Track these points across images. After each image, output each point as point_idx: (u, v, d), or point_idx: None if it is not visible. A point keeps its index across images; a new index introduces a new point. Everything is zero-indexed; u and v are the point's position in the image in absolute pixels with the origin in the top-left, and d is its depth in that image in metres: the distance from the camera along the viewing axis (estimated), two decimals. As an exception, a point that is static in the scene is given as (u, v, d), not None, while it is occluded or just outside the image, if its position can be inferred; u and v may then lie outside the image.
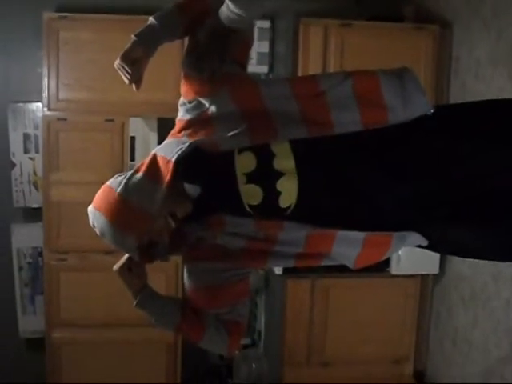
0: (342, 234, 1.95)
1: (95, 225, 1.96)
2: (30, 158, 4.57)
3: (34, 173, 4.57)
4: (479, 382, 3.68)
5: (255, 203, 1.94)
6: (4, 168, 4.60)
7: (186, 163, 1.92)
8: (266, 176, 1.92)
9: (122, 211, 1.90)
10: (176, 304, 2.11)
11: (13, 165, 4.57)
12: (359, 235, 1.96)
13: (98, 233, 1.97)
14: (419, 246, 2.06)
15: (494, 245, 2.07)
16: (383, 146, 1.94)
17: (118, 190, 1.91)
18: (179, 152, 1.90)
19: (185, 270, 2.11)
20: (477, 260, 3.56)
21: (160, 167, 1.92)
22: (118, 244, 1.95)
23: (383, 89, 1.93)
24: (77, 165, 4.20)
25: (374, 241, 1.97)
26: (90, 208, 1.97)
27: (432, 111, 1.96)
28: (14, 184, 4.59)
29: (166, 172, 1.89)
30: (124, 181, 1.92)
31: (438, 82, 4.17)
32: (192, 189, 1.98)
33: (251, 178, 1.93)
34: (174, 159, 1.88)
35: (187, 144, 1.93)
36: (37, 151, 4.55)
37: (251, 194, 1.93)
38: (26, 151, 4.57)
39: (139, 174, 1.93)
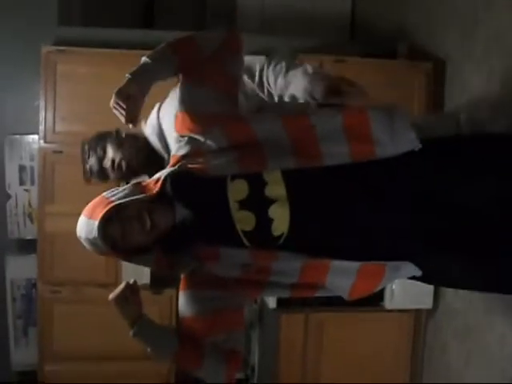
0: (335, 264, 1.97)
1: (82, 235, 1.99)
2: (26, 190, 4.59)
3: (29, 204, 4.58)
4: None
5: (248, 229, 1.96)
6: (-1, 199, 4.61)
7: (176, 181, 1.97)
8: (258, 203, 1.96)
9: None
10: (173, 332, 2.12)
11: (8, 196, 4.58)
12: (353, 265, 1.98)
13: (85, 243, 1.99)
14: (413, 278, 2.08)
15: (479, 277, 2.09)
16: (372, 179, 1.98)
17: (104, 193, 2.03)
18: (169, 171, 1.98)
19: (180, 298, 2.12)
20: (470, 293, 3.58)
21: (148, 185, 2.01)
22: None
23: (372, 124, 1.98)
24: (72, 197, 4.18)
25: (367, 271, 2.00)
26: (81, 218, 2.01)
27: (420, 147, 2.00)
28: (8, 215, 4.60)
29: (154, 187, 1.99)
30: (117, 191, 2.03)
31: (431, 98, 4.20)
32: (180, 210, 2.00)
33: (244, 204, 1.96)
34: (163, 176, 1.97)
35: (177, 166, 2.00)
36: (32, 183, 4.56)
37: (244, 220, 1.96)
38: (21, 183, 4.58)
39: (130, 186, 2.06)
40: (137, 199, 1.95)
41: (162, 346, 2.10)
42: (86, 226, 1.97)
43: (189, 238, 2.01)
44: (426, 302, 4.10)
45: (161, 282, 2.14)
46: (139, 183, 2.06)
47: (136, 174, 2.57)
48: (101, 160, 2.56)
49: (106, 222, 1.93)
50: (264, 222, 1.95)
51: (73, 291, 4.41)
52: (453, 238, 2.01)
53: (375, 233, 1.99)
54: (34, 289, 4.58)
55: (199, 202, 2.00)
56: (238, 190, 1.96)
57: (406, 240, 2.00)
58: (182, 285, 2.12)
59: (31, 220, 4.59)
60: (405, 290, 3.98)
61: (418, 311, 4.22)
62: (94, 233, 1.93)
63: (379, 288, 2.09)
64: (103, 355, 4.43)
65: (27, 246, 4.63)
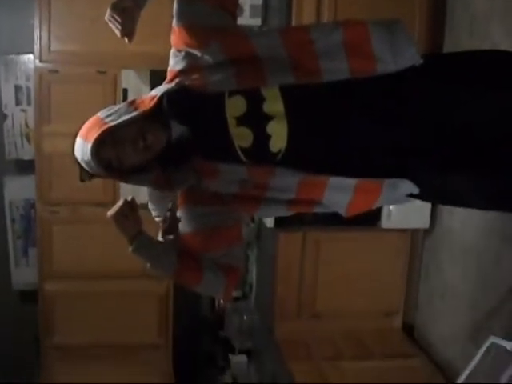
0: (333, 180, 1.97)
1: (79, 157, 1.98)
2: (22, 110, 4.57)
3: (26, 125, 4.56)
4: (467, 336, 3.73)
5: (246, 146, 1.96)
6: (-4, 120, 4.59)
7: (173, 99, 1.96)
8: (256, 119, 1.94)
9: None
10: (172, 248, 2.12)
11: (5, 117, 4.56)
12: (350, 182, 1.97)
13: (82, 165, 1.99)
14: (410, 196, 2.08)
15: (481, 193, 2.09)
16: (372, 93, 1.96)
17: (99, 113, 1.98)
18: (166, 89, 1.96)
19: (179, 214, 2.13)
20: (467, 213, 3.61)
21: (144, 101, 1.98)
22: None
23: (373, 39, 1.95)
24: (69, 117, 4.15)
25: (365, 187, 1.99)
26: (77, 139, 1.99)
27: (421, 62, 1.97)
28: (6, 136, 4.59)
29: (149, 103, 1.95)
30: (113, 110, 1.99)
31: (431, 37, 4.15)
32: (177, 128, 1.99)
33: (241, 120, 1.94)
34: (159, 94, 1.94)
35: (174, 83, 1.98)
36: (29, 103, 4.54)
37: (242, 137, 1.95)
38: (17, 103, 4.56)
39: (125, 104, 2.01)
40: (131, 118, 1.93)
41: (161, 262, 2.11)
42: (81, 148, 1.96)
43: (186, 154, 2.00)
44: (423, 222, 4.12)
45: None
46: (134, 101, 2.03)
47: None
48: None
49: (100, 144, 1.92)
50: (262, 139, 1.94)
51: (71, 211, 4.45)
52: (453, 155, 1.99)
53: (373, 149, 1.97)
54: (32, 209, 4.61)
55: (196, 118, 1.98)
56: (235, 106, 1.94)
57: (405, 157, 1.99)
58: (179, 201, 2.12)
59: (28, 140, 4.58)
60: (402, 210, 4.00)
61: (414, 231, 4.25)
62: (88, 155, 1.92)
63: (377, 205, 2.08)
64: (102, 274, 4.50)
65: (25, 167, 4.64)
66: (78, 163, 2.00)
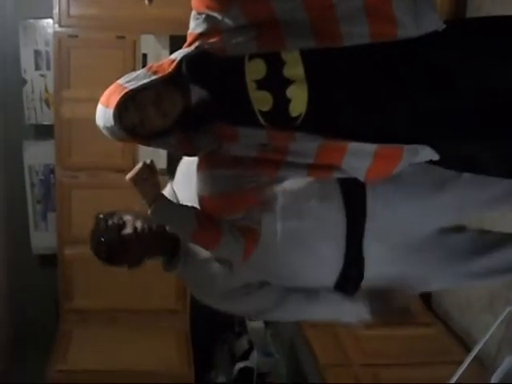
0: (352, 145, 1.96)
1: (101, 124, 1.99)
2: (41, 75, 4.56)
3: (46, 90, 4.56)
4: (484, 305, 3.73)
5: (266, 109, 1.95)
6: (16, 85, 4.60)
7: (192, 64, 1.96)
8: (275, 83, 1.93)
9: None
10: (191, 211, 2.12)
11: (24, 82, 4.57)
12: (370, 147, 1.96)
13: (105, 131, 2.00)
14: (430, 162, 2.07)
15: (502, 161, 2.08)
16: (393, 58, 1.94)
17: (119, 80, 1.98)
18: (185, 53, 1.95)
19: (198, 178, 2.13)
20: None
21: (163, 65, 1.97)
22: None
23: (394, 3, 1.92)
24: (88, 82, 4.18)
25: (384, 153, 1.98)
26: (99, 106, 2.00)
27: (443, 27, 1.95)
28: (25, 101, 4.59)
29: (168, 67, 1.95)
30: (133, 76, 1.98)
31: (454, 3, 4.10)
32: (196, 92, 1.99)
33: (261, 84, 1.93)
34: (179, 57, 1.93)
35: (194, 46, 1.96)
36: (48, 68, 4.53)
37: (261, 100, 1.94)
38: (37, 68, 4.55)
39: (144, 69, 2.00)
40: (149, 82, 1.93)
41: (180, 224, 2.12)
42: (103, 114, 1.96)
43: (207, 118, 2.00)
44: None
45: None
46: (151, 66, 2.03)
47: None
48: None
49: (121, 109, 1.92)
50: (281, 103, 1.93)
51: (90, 176, 4.47)
52: (476, 123, 1.98)
53: (392, 115, 1.96)
54: (51, 174, 4.63)
55: (215, 82, 1.98)
56: (255, 70, 1.93)
57: (425, 123, 1.97)
58: (199, 165, 2.12)
59: (48, 105, 4.58)
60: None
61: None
62: (111, 121, 1.93)
63: (396, 171, 2.07)
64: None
65: (44, 132, 4.66)
66: None
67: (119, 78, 2.02)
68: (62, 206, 4.52)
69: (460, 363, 3.14)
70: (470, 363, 3.13)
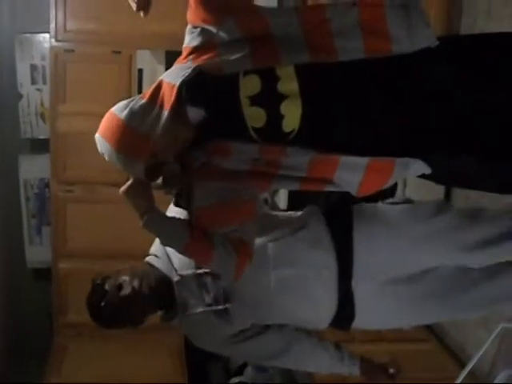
0: (344, 159, 1.96)
1: (103, 152, 2.00)
2: (38, 90, 4.58)
3: (42, 104, 4.57)
4: (479, 320, 3.72)
5: (259, 126, 1.95)
6: (11, 99, 4.61)
7: (190, 87, 1.94)
8: (269, 99, 1.93)
9: (126, 137, 1.94)
10: (184, 223, 2.12)
11: (20, 96, 4.58)
12: (362, 160, 1.97)
13: (107, 159, 2.01)
14: (422, 176, 2.08)
15: (494, 176, 2.09)
16: (387, 73, 1.95)
17: (122, 117, 1.95)
18: (183, 77, 1.92)
19: (193, 190, 2.13)
20: (480, 195, 3.58)
21: (165, 92, 1.94)
22: (126, 168, 2.00)
23: (389, 19, 1.94)
24: (84, 96, 4.20)
25: (376, 166, 1.98)
26: (97, 136, 2.01)
27: (436, 44, 1.96)
28: (21, 115, 4.60)
29: (170, 96, 1.91)
30: (129, 106, 1.96)
31: (448, 19, 4.12)
32: (196, 113, 1.99)
33: (255, 100, 1.94)
34: (177, 84, 1.91)
35: (191, 68, 1.94)
36: (44, 82, 4.55)
37: (255, 117, 1.95)
38: (33, 82, 4.57)
39: (143, 100, 1.97)
40: (165, 124, 1.91)
41: (172, 237, 2.12)
42: (105, 149, 1.98)
43: (205, 137, 2.01)
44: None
45: (172, 180, 2.13)
46: (154, 95, 1.96)
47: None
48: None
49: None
50: (275, 119, 1.94)
51: (85, 190, 4.46)
52: (467, 138, 1.98)
53: (386, 130, 1.97)
54: (47, 188, 4.63)
55: (211, 100, 1.98)
56: (249, 86, 1.94)
57: (417, 138, 1.98)
58: (193, 178, 2.11)
59: (43, 120, 4.59)
60: (416, 190, 4.00)
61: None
62: (114, 159, 1.96)
63: (388, 184, 2.07)
64: (115, 253, 4.49)
65: (40, 146, 4.66)
66: None
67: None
68: (56, 220, 4.52)
69: (454, 379, 3.14)
70: (464, 378, 3.14)
